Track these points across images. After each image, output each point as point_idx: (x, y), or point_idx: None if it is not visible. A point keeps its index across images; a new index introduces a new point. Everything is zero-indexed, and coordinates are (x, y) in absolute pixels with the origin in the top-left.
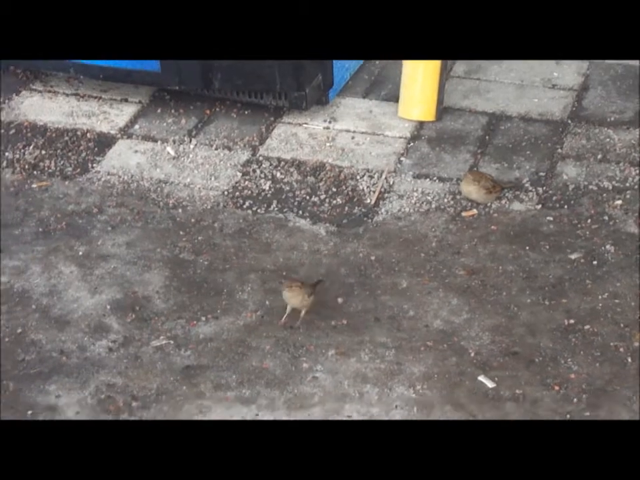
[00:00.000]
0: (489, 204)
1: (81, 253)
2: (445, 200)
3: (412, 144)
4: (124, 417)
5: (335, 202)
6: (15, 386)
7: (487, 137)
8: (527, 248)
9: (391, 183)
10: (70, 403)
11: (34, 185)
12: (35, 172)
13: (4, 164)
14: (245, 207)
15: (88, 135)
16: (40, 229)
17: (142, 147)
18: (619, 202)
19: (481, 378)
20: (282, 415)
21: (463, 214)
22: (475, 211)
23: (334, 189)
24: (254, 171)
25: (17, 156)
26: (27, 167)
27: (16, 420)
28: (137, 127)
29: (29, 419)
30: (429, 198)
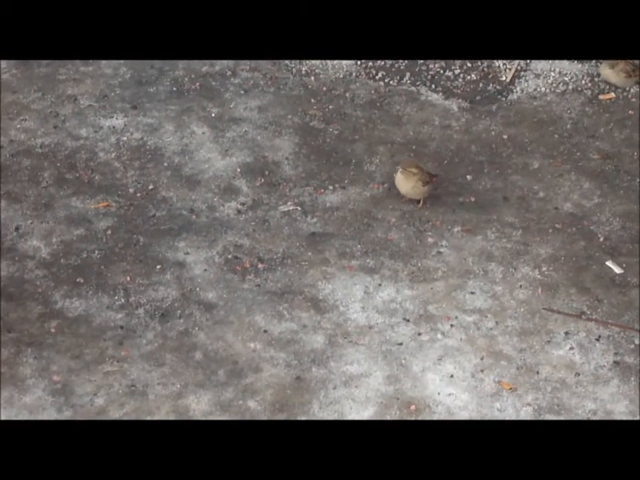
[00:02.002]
0: (627, 88)
1: (213, 115)
2: (583, 81)
3: None
4: (250, 277)
5: (469, 77)
6: (145, 240)
7: None
8: None
9: (528, 61)
10: (198, 261)
11: None
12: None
13: None
14: (377, 77)
15: None
16: (174, 88)
17: None
18: None
19: (609, 263)
20: (404, 287)
21: (600, 97)
22: (612, 94)
23: (469, 64)
24: None
25: None
26: None
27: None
28: None
29: (30, 419)
30: (566, 79)
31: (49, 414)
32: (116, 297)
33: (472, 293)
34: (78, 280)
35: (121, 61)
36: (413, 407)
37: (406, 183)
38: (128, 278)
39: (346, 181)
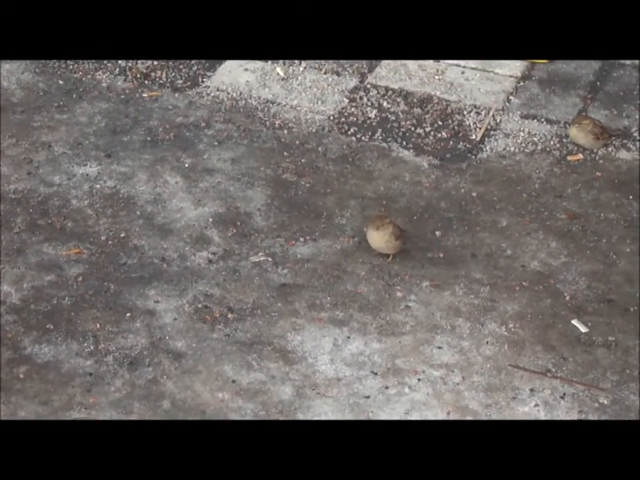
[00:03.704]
0: (595, 150)
1: (186, 165)
2: (551, 142)
3: (522, 83)
4: (219, 327)
5: (439, 135)
6: (115, 288)
7: (598, 83)
8: (631, 197)
9: (498, 120)
10: (168, 309)
11: (145, 94)
12: (146, 81)
13: (117, 71)
14: (349, 133)
15: None
16: (148, 138)
17: (252, 65)
18: None
19: (575, 322)
20: (373, 340)
21: (569, 158)
22: (580, 156)
23: (440, 122)
24: (361, 98)
25: (130, 64)
26: (138, 75)
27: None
28: None
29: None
30: (535, 139)
31: None
32: (85, 344)
33: (439, 347)
34: (48, 326)
35: (96, 110)
36: None
37: (379, 238)
38: (98, 325)
39: (317, 234)
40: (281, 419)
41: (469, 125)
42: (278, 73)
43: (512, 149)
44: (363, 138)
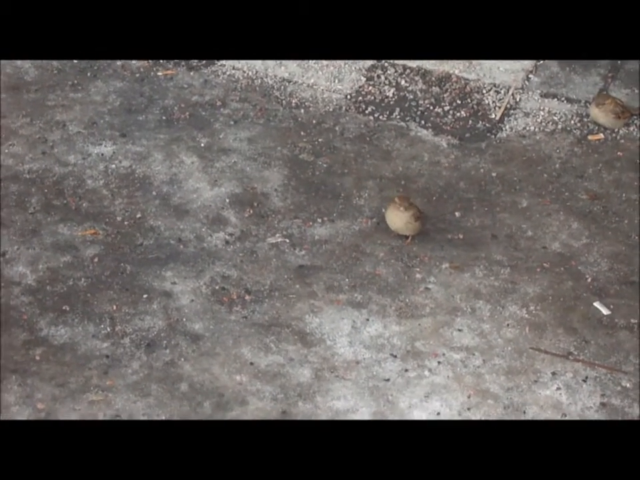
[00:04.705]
0: (616, 129)
1: (202, 145)
2: (572, 121)
3: (541, 62)
4: (237, 309)
5: (458, 114)
6: (132, 269)
7: (619, 61)
8: None
9: (518, 99)
10: (185, 291)
11: (159, 73)
12: (161, 60)
13: None
14: (367, 112)
15: None
16: (163, 117)
17: None
18: None
19: (597, 304)
20: (392, 322)
21: (589, 137)
22: (601, 135)
23: (458, 101)
24: (378, 76)
25: None
26: None
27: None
28: None
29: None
30: (555, 118)
31: None
32: (102, 326)
33: (459, 330)
34: (64, 307)
35: (110, 88)
36: None
37: (399, 219)
38: (114, 307)
39: (334, 215)
40: (299, 402)
41: (488, 104)
42: None
43: (532, 128)
44: (380, 117)
